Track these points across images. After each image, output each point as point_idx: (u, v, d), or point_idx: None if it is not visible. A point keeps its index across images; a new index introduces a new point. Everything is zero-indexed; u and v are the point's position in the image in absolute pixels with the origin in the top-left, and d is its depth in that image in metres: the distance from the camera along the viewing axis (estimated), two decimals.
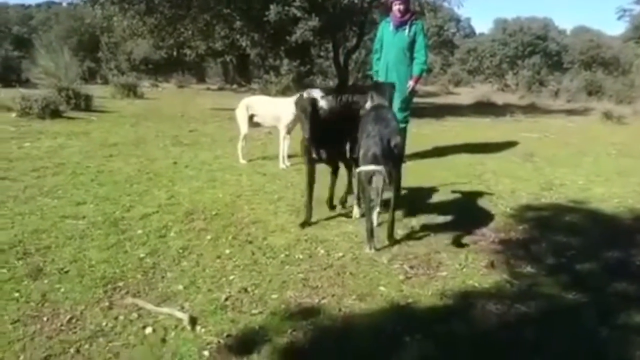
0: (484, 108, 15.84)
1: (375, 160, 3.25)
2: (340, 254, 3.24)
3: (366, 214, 3.42)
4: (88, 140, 7.23)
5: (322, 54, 13.72)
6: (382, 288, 2.75)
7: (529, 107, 16.46)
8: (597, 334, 2.32)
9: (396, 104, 5.14)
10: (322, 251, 3.29)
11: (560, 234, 3.69)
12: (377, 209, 3.65)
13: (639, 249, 3.44)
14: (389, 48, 5.75)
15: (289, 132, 5.86)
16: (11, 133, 7.38)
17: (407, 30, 5.63)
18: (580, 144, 8.45)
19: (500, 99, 19.11)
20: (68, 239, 3.35)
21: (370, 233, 3.31)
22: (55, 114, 9.16)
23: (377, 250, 3.28)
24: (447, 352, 2.16)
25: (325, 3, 12.04)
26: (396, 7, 5.61)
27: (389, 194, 3.65)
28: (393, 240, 3.42)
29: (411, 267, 3.03)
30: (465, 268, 3.05)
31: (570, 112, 15.20)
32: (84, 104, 10.52)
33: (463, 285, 2.82)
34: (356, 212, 3.98)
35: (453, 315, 2.48)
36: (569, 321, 2.44)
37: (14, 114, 8.97)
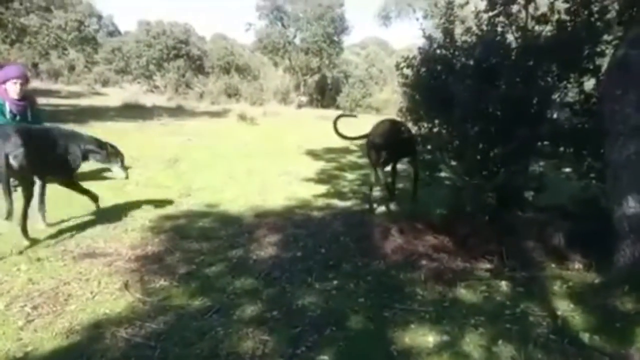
0: (132, 111, 15.68)
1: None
2: None
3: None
4: None
5: None
6: None
7: (177, 110, 17.16)
8: (215, 333, 2.60)
9: None
10: None
11: (193, 241, 3.99)
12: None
13: (257, 244, 4.01)
14: None
15: None
16: None
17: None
18: (219, 146, 9.31)
19: (149, 100, 19.24)
20: None
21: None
22: None
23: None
24: None
25: None
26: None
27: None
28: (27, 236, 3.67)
29: (34, 308, 2.76)
30: (97, 296, 2.96)
31: (213, 115, 16.55)
32: None
33: (93, 315, 2.73)
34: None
35: (80, 353, 2.37)
36: (194, 327, 2.66)
37: None
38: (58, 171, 4.11)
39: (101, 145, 4.36)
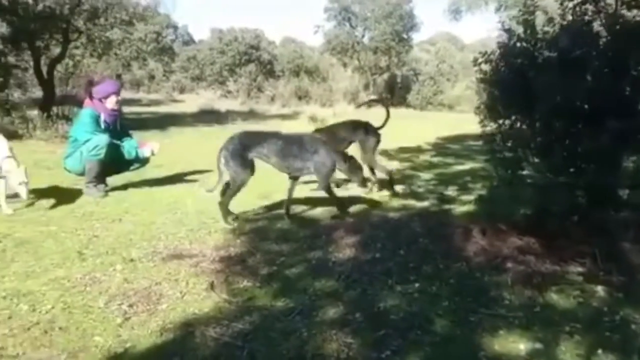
0: (207, 116, 16.31)
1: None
2: (49, 307, 2.91)
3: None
4: None
5: (18, 64, 12.01)
6: (97, 338, 2.58)
7: (249, 114, 17.63)
8: (299, 334, 2.63)
9: None
10: (25, 307, 2.90)
11: (273, 242, 4.07)
12: None
13: (335, 246, 4.03)
14: None
15: None
16: None
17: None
18: None
19: (223, 105, 19.92)
20: None
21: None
22: None
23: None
24: None
25: (14, 7, 10.65)
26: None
27: None
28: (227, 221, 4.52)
29: (130, 306, 2.92)
30: (186, 295, 3.10)
31: (284, 117, 16.84)
32: None
33: (184, 314, 2.85)
34: None
35: (173, 350, 2.49)
36: (278, 328, 2.71)
37: None
38: (304, 171, 4.80)
39: (345, 158, 4.83)
